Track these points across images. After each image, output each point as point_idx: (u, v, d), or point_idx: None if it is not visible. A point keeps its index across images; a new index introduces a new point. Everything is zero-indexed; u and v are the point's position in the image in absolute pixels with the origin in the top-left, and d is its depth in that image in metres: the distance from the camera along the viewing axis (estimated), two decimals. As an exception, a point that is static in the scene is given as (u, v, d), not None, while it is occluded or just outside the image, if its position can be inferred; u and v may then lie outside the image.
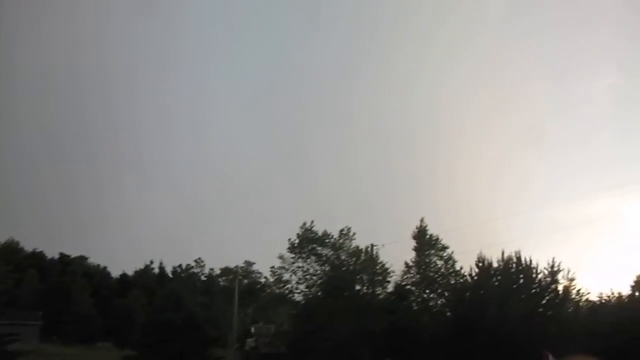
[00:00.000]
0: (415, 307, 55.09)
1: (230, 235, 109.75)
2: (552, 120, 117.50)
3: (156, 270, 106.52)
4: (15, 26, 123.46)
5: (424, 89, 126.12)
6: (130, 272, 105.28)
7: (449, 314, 53.37)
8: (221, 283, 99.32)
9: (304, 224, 56.88)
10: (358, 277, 56.00)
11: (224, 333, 67.11)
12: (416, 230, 56.42)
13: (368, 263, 56.06)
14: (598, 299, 51.78)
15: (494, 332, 43.37)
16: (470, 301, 49.29)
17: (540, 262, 48.66)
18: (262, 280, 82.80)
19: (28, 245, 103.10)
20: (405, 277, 55.88)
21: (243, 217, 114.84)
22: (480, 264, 50.07)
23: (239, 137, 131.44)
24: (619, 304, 50.09)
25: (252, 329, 76.03)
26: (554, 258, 48.90)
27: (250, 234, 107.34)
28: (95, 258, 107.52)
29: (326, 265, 56.19)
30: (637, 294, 50.31)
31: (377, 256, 56.39)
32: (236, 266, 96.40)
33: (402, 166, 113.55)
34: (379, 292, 56.58)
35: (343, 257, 56.34)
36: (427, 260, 55.51)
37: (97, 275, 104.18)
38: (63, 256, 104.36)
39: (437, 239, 55.96)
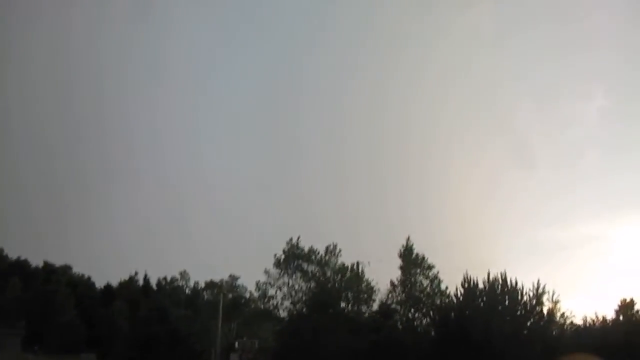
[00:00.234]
0: (400, 327, 54.93)
1: (216, 248, 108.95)
2: (541, 141, 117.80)
3: (141, 282, 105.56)
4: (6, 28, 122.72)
5: (415, 107, 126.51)
6: (114, 283, 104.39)
7: (433, 333, 53.28)
8: (206, 297, 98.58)
9: (290, 239, 56.92)
10: (343, 294, 55.95)
11: (207, 347, 66.63)
12: (402, 249, 56.37)
13: (353, 281, 56.03)
14: (582, 322, 52.02)
15: (478, 353, 43.40)
16: (456, 321, 49.27)
17: (526, 284, 48.96)
18: (247, 294, 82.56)
19: (12, 253, 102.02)
20: (390, 295, 55.84)
21: (229, 230, 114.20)
22: (466, 285, 50.16)
23: (227, 150, 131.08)
24: (603, 327, 50.29)
25: (236, 344, 75.50)
26: (539, 280, 49.23)
27: (235, 248, 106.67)
28: (80, 267, 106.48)
29: (312, 281, 56.14)
30: (621, 318, 50.54)
31: (362, 274, 56.42)
32: (221, 280, 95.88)
33: (391, 183, 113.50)
34: (364, 310, 56.50)
35: (329, 274, 56.30)
36: (412, 280, 55.46)
37: (81, 285, 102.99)
38: (47, 265, 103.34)
39: (423, 258, 55.94)
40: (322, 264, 56.43)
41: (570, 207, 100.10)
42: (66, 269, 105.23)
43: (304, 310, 55.53)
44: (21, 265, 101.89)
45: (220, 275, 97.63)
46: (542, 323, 48.53)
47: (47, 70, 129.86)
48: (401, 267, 56.02)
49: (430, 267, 55.61)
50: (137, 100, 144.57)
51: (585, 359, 37.98)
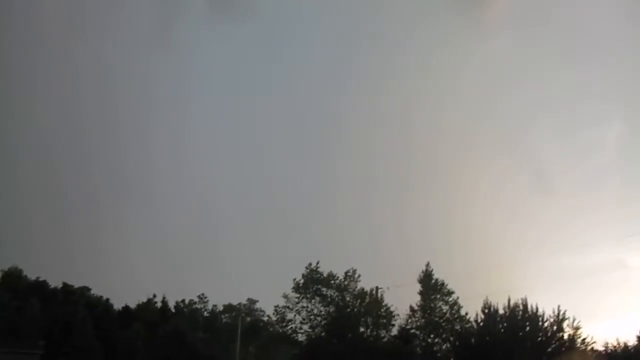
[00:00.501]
0: (420, 351, 54.73)
1: (234, 272, 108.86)
2: (560, 169, 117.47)
3: (159, 304, 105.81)
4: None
5: (442, 139, 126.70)
6: (132, 305, 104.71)
7: (453, 359, 53.01)
8: (224, 320, 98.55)
9: (310, 264, 57.03)
10: (362, 319, 55.85)
11: (225, 371, 66.63)
12: (422, 274, 56.43)
13: (373, 305, 55.93)
14: (604, 348, 51.55)
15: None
16: (476, 347, 49.01)
17: (547, 310, 48.61)
18: (265, 318, 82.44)
19: (31, 274, 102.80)
20: (409, 320, 55.73)
21: (248, 253, 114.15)
22: (487, 310, 49.92)
23: (248, 173, 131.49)
24: (624, 353, 49.85)
25: (254, 368, 75.44)
26: (559, 306, 48.85)
27: (254, 272, 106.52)
28: (98, 289, 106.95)
29: (330, 306, 56.10)
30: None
31: (381, 299, 56.33)
32: (239, 303, 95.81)
33: (411, 209, 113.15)
34: (383, 335, 56.33)
35: (348, 299, 56.27)
36: (432, 305, 55.40)
37: (99, 307, 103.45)
38: (66, 286, 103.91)
39: (443, 283, 56.02)
40: (342, 288, 56.48)
41: (590, 233, 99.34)
42: (84, 290, 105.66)
43: (323, 334, 55.49)
44: (40, 286, 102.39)
45: (238, 298, 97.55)
46: (563, 349, 48.07)
47: (59, 97, 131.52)
48: (420, 292, 56.03)
49: (450, 293, 55.65)
50: (156, 120, 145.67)
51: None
